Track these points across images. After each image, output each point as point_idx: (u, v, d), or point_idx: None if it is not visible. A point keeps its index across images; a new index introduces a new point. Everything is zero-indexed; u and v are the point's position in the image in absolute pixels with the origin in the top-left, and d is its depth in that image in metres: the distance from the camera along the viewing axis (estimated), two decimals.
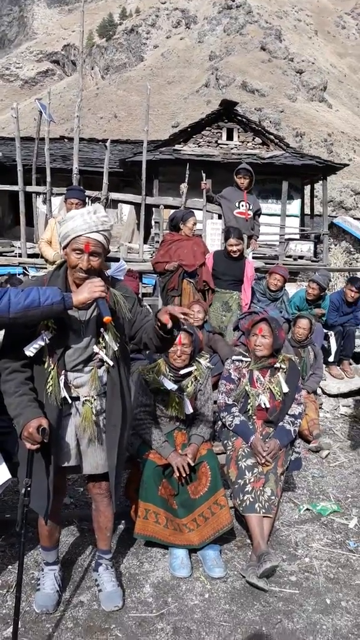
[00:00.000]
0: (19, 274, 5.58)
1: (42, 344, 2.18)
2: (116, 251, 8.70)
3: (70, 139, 18.28)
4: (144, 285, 7.98)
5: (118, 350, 2.30)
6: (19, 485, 2.28)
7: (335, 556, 3.06)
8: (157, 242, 13.90)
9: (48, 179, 7.40)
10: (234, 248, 5.30)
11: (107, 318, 2.10)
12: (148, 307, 6.02)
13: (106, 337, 2.26)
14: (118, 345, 2.29)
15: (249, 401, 3.34)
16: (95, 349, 2.28)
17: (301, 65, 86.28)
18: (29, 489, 2.21)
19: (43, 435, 2.14)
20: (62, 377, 2.26)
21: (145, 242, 8.50)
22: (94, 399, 2.34)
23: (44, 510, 2.30)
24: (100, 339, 2.28)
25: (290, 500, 3.73)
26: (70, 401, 2.30)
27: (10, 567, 2.80)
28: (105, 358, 2.27)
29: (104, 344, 2.27)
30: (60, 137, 19.44)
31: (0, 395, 2.37)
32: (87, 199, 6.23)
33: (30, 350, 2.18)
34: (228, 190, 6.09)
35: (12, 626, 2.21)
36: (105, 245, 2.23)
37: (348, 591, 2.74)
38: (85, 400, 2.33)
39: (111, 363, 2.29)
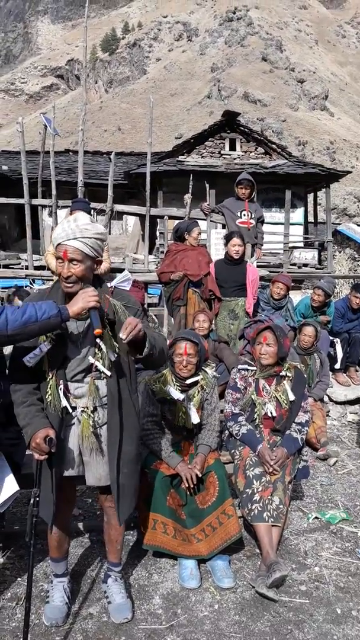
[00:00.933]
0: (25, 286, 5.62)
1: (39, 353, 2.20)
2: (122, 262, 8.75)
3: (75, 152, 18.46)
4: (149, 295, 8.01)
5: (117, 361, 2.30)
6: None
7: (345, 565, 3.04)
8: (162, 252, 13.97)
9: (54, 191, 7.47)
10: (237, 248, 5.29)
11: (97, 330, 2.12)
12: (154, 317, 6.05)
13: (103, 347, 2.25)
14: (116, 355, 2.29)
15: (255, 410, 3.33)
16: (91, 359, 2.27)
17: (302, 74, 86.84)
18: (37, 498, 2.23)
19: (50, 446, 2.17)
20: (62, 387, 2.28)
21: (150, 252, 8.55)
22: (93, 410, 2.34)
23: (50, 518, 2.32)
24: (97, 350, 2.28)
25: (298, 508, 3.71)
26: (71, 411, 2.31)
27: (19, 579, 2.79)
28: (102, 368, 2.26)
29: (100, 355, 2.28)
30: (65, 150, 19.68)
31: (9, 407, 2.39)
32: (92, 210, 6.28)
33: (28, 361, 2.20)
34: (229, 201, 6.12)
35: (21, 639, 2.21)
36: (88, 253, 2.22)
37: (359, 600, 2.72)
38: (82, 411, 2.33)
39: (108, 373, 2.27)
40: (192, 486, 2.94)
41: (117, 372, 2.32)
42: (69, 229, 2.19)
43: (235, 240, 5.28)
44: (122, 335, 2.09)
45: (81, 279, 2.23)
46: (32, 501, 2.22)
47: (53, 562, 2.58)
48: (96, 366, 2.27)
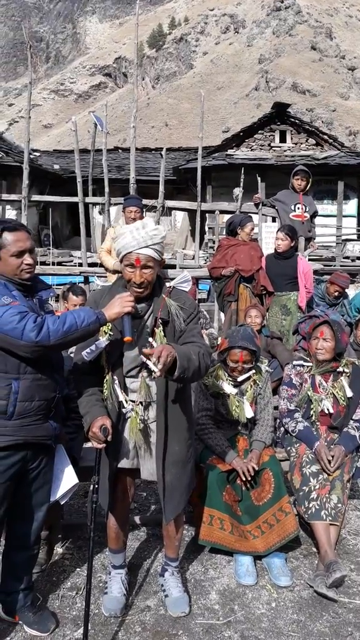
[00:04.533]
0: (79, 283, 5.75)
1: (95, 349, 2.26)
2: (171, 258, 8.78)
3: (124, 150, 18.65)
4: (199, 290, 7.99)
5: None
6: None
7: None
8: (211, 247, 13.92)
9: (106, 189, 7.53)
10: (278, 242, 5.23)
11: (127, 338, 2.16)
12: (205, 312, 6.03)
13: (154, 344, 2.27)
14: None
15: (311, 407, 3.27)
16: (143, 358, 2.29)
17: (353, 62, 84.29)
18: (97, 485, 2.31)
19: (105, 435, 2.22)
20: (117, 382, 2.33)
21: (199, 247, 8.52)
22: (147, 406, 2.38)
23: (106, 505, 2.43)
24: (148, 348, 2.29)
25: (356, 508, 3.62)
26: (125, 405, 2.35)
27: (78, 569, 2.86)
28: (151, 366, 2.22)
29: None
30: (115, 148, 19.84)
31: (68, 401, 2.44)
32: (143, 207, 6.31)
33: (86, 355, 2.26)
34: (283, 193, 6.02)
35: (82, 628, 2.27)
36: (157, 258, 2.29)
37: None
38: (132, 407, 2.36)
39: (158, 372, 2.21)
40: (248, 479, 2.92)
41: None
42: (139, 236, 2.24)
43: (278, 234, 5.23)
44: (156, 368, 2.07)
45: (151, 283, 2.30)
46: (91, 488, 2.31)
47: (111, 553, 2.63)
48: (147, 364, 2.29)
